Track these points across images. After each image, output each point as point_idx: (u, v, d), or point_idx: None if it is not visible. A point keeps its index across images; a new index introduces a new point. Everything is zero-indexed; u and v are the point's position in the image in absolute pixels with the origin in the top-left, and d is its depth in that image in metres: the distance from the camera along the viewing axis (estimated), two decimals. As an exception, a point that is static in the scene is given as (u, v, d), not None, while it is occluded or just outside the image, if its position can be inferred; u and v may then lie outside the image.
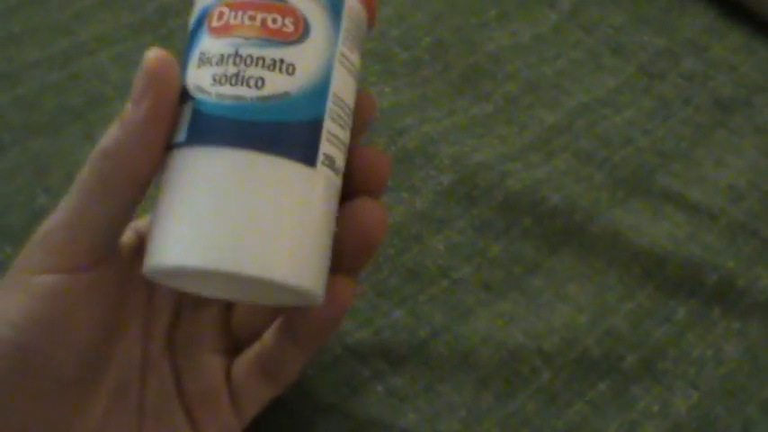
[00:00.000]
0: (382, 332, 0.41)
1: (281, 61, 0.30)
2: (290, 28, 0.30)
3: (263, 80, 0.30)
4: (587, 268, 0.45)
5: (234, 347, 0.36)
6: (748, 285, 0.45)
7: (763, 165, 0.51)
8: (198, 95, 0.30)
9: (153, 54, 0.30)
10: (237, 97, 0.29)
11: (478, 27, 0.55)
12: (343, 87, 0.32)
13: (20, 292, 0.30)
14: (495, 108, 0.51)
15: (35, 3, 0.52)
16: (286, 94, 0.30)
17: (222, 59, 0.30)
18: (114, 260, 0.32)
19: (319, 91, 0.30)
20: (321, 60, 0.31)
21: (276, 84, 0.30)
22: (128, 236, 0.34)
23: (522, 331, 0.42)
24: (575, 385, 0.41)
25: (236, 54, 0.30)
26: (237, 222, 0.29)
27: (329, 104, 0.31)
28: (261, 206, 0.29)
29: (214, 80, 0.30)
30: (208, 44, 0.30)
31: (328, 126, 0.31)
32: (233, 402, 0.35)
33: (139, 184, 0.31)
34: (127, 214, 0.31)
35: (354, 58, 0.33)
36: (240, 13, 0.30)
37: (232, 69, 0.30)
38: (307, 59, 0.30)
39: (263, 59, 0.30)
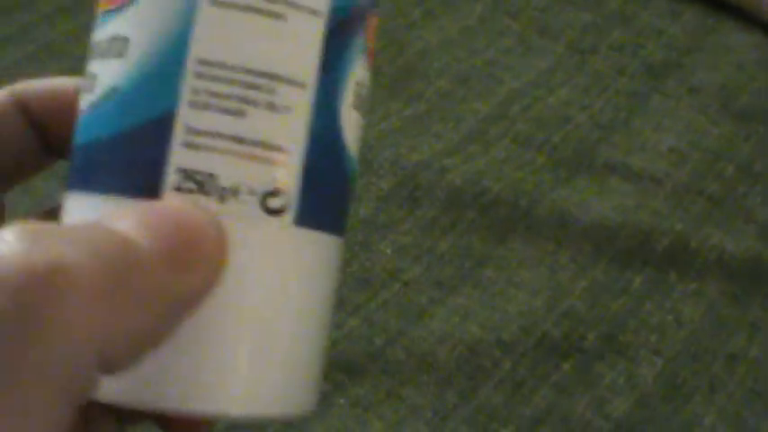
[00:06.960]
0: (339, 344, 0.41)
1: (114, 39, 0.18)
2: None
3: (94, 77, 0.19)
4: (537, 252, 0.45)
5: None
6: (700, 245, 0.45)
7: (700, 124, 0.51)
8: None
9: None
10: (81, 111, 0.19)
11: (405, 27, 0.55)
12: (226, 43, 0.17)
13: None
14: (428, 106, 0.51)
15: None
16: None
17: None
18: None
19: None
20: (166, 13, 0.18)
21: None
22: None
23: (478, 325, 0.42)
24: (538, 371, 0.41)
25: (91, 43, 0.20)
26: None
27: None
28: None
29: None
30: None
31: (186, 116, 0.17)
32: None
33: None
34: None
35: None
36: None
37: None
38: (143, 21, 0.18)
39: (98, 45, 0.19)
